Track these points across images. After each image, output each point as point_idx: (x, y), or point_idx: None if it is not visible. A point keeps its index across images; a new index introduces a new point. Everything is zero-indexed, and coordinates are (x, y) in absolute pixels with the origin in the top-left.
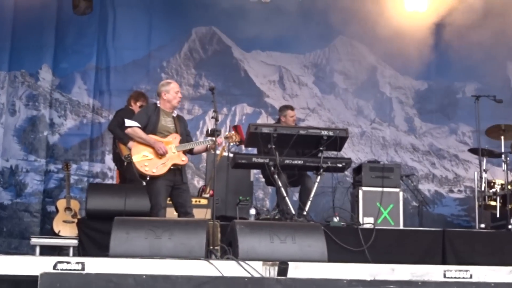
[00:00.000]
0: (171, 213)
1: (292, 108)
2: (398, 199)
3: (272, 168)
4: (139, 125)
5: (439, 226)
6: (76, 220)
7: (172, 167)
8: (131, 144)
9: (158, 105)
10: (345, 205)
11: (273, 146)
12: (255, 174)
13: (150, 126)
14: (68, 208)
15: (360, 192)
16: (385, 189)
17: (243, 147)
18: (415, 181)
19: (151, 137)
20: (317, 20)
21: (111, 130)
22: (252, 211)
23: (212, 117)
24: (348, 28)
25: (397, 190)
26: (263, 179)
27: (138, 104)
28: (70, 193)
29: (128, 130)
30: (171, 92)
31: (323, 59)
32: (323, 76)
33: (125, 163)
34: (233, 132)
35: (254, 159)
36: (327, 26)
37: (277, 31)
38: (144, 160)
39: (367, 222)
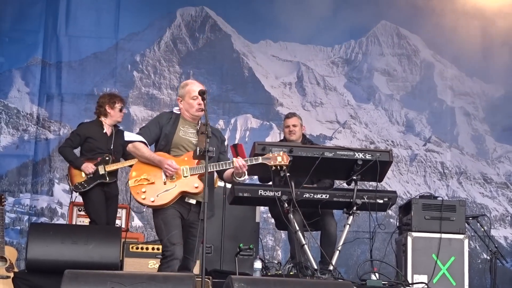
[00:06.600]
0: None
1: (290, 116)
2: (463, 250)
3: (286, 205)
4: (143, 140)
5: None
6: (11, 275)
7: (180, 197)
8: (87, 166)
9: (177, 111)
10: (387, 258)
11: (288, 174)
12: (263, 213)
13: (162, 141)
14: (1, 258)
15: (409, 240)
16: (444, 236)
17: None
18: (487, 225)
19: (158, 155)
20: None
21: (61, 152)
22: (258, 264)
23: (202, 133)
24: (394, 9)
25: (461, 237)
26: (273, 221)
27: (118, 106)
28: (4, 237)
29: (129, 147)
30: (186, 98)
31: (359, 54)
32: (359, 77)
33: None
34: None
35: (261, 192)
36: (365, 7)
37: (294, 14)
38: (142, 185)
39: (418, 281)
